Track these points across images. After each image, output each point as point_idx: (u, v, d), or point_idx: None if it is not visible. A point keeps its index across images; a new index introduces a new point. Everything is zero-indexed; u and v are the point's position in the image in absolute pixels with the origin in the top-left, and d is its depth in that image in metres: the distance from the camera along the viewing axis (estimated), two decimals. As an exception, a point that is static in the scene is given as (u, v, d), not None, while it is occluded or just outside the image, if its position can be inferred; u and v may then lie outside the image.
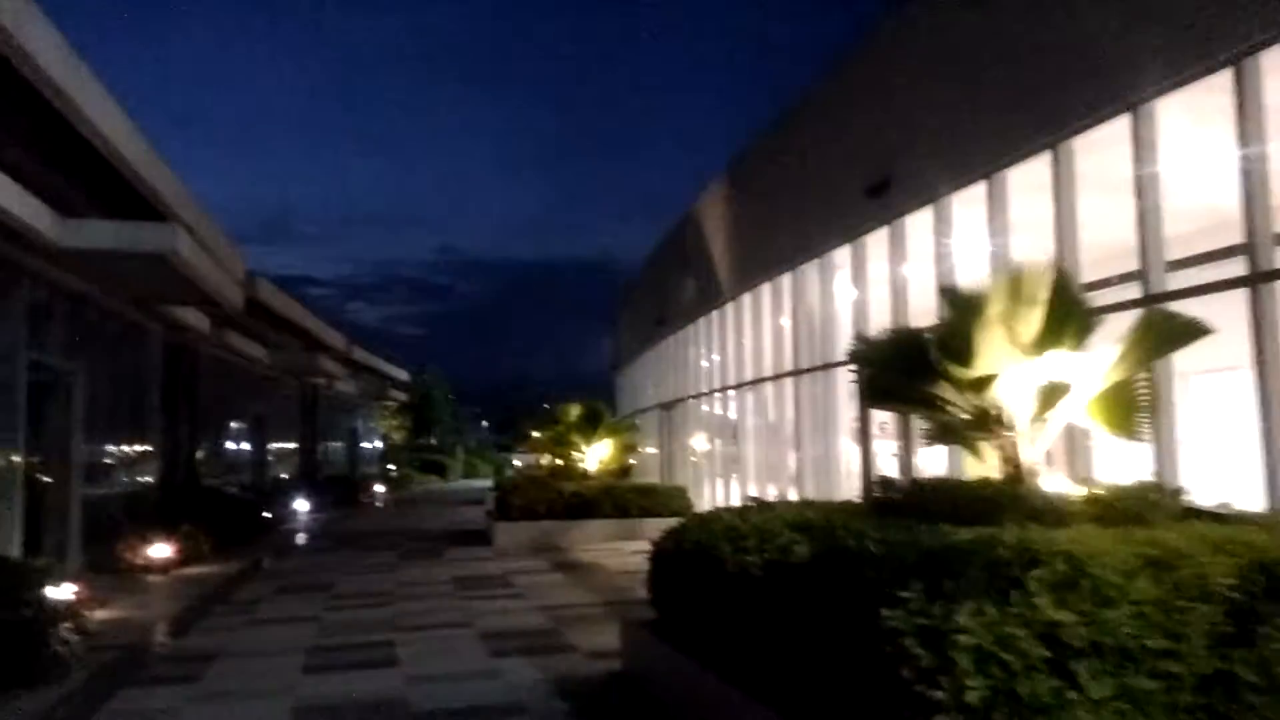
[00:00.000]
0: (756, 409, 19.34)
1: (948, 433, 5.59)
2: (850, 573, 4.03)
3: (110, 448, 14.80)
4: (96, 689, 7.00)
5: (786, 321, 17.37)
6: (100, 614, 9.41)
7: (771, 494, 17.11)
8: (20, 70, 7.64)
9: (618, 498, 17.04)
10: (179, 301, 13.77)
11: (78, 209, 10.44)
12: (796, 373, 16.83)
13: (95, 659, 7.70)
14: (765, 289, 18.03)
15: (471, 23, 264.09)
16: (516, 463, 66.48)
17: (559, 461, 22.28)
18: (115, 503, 14.84)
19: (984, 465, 5.56)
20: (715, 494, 20.79)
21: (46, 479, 12.74)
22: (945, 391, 5.32)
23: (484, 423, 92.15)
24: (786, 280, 16.96)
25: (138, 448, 16.29)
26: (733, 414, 20.49)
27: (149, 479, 16.62)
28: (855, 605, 3.83)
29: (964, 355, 5.17)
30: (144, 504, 16.07)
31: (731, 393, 20.16)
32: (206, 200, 15.04)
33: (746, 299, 19.34)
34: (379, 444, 46.29)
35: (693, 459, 23.67)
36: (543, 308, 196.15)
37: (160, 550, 13.65)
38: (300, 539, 19.52)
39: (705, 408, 22.67)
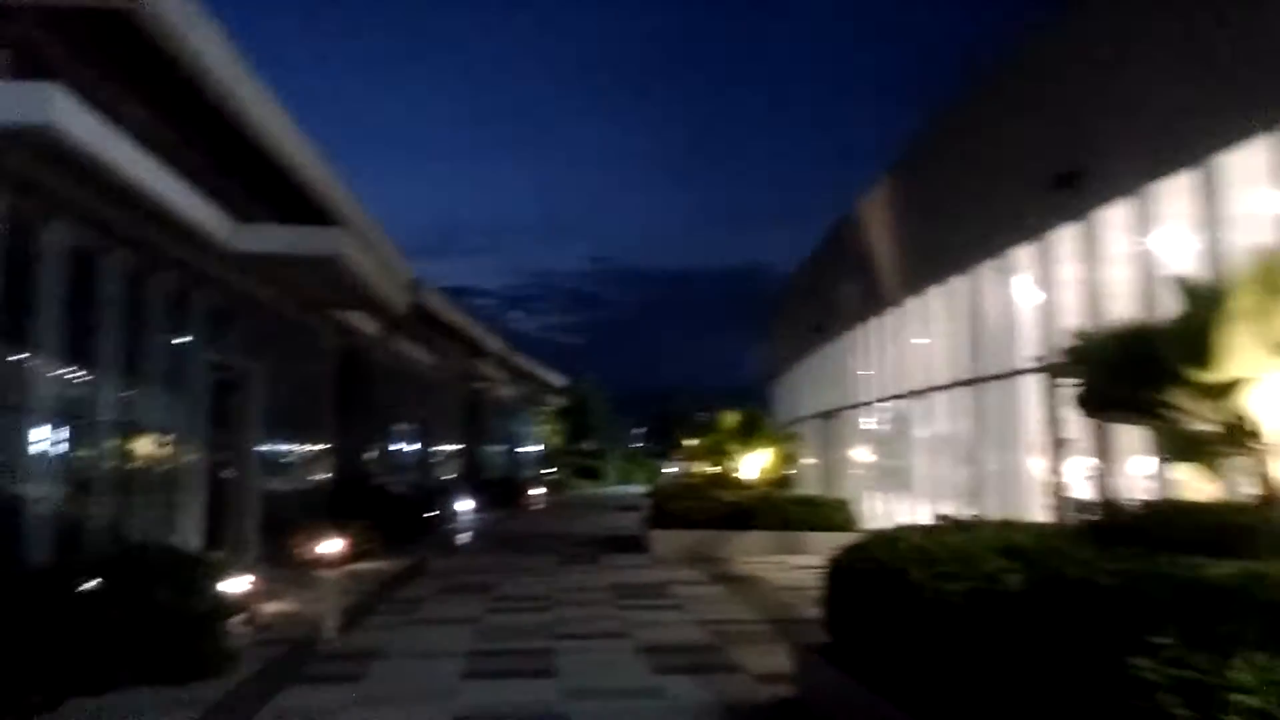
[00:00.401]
0: (925, 420, 18.35)
1: (1189, 448, 4.80)
2: (1080, 609, 3.43)
3: (286, 446, 15.40)
4: (263, 685, 7.07)
5: (960, 327, 16.38)
6: (271, 608, 9.66)
7: (943, 511, 16.10)
8: (197, 80, 7.88)
9: (777, 508, 16.48)
10: (346, 305, 14.20)
11: (251, 215, 10.81)
12: (972, 381, 15.82)
13: (263, 654, 7.82)
14: (935, 293, 17.06)
15: (623, 32, 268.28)
16: (669, 470, 66.71)
17: (715, 469, 21.94)
18: (290, 498, 15.44)
19: (1213, 485, 4.79)
20: (878, 508, 19.88)
21: (227, 475, 13.33)
22: (1181, 399, 4.58)
23: (637, 429, 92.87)
24: (960, 283, 15.97)
25: (311, 446, 16.94)
26: (898, 425, 19.53)
27: (322, 476, 17.25)
28: (1088, 648, 3.24)
29: (1204, 357, 4.44)
30: (317, 500, 16.67)
31: (898, 402, 19.21)
32: (373, 210, 15.53)
33: (913, 304, 18.39)
34: (538, 448, 47.19)
35: (853, 471, 22.78)
36: (695, 316, 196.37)
37: (332, 545, 14.01)
38: (462, 539, 19.88)
39: (868, 418, 21.75)
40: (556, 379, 43.34)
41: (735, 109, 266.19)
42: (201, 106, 8.88)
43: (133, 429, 10.26)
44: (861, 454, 22.11)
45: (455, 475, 30.40)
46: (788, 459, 19.37)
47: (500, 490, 32.04)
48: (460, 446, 31.14)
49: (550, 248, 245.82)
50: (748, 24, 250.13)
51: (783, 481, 18.77)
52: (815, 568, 13.75)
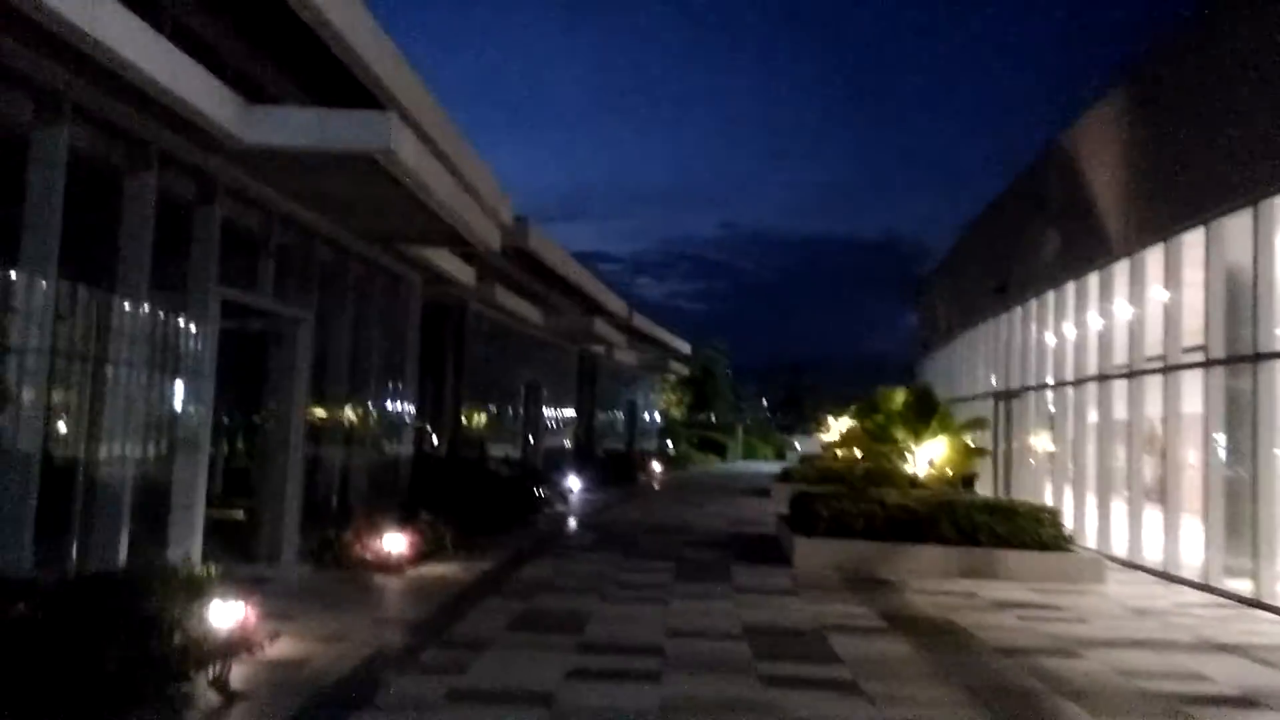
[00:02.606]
0: (1154, 403, 14.20)
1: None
2: None
3: (349, 413, 12.60)
4: None
5: (1221, 287, 12.22)
6: (272, 649, 6.71)
7: (1161, 520, 12.04)
8: None
9: (961, 518, 12.71)
10: (414, 235, 11.13)
11: (272, 94, 7.77)
12: (1230, 360, 11.79)
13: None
14: (1188, 241, 12.88)
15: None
16: (797, 445, 62.54)
17: (863, 458, 18.21)
18: (356, 477, 12.63)
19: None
20: (1083, 514, 15.77)
21: (262, 450, 10.57)
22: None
23: (764, 401, 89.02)
24: (1236, 224, 11.80)
25: (388, 413, 14.13)
26: (1115, 409, 15.37)
27: (401, 450, 14.44)
28: None
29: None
30: (391, 480, 13.87)
31: (1118, 383, 15.04)
32: (504, 180, 12.43)
33: (1147, 258, 14.17)
34: (659, 419, 44.09)
35: (1044, 466, 18.60)
36: (825, 285, 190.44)
37: (393, 543, 11.16)
38: (566, 529, 16.85)
39: (1064, 399, 17.57)
40: (681, 345, 39.99)
41: (877, 70, 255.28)
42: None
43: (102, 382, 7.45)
44: (1056, 445, 17.93)
45: (569, 446, 27.56)
46: (976, 453, 15.44)
47: (616, 465, 29.05)
48: (573, 415, 28.24)
49: (680, 214, 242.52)
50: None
51: (968, 481, 14.91)
52: (1032, 608, 10.07)
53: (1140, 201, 14.35)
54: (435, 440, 16.93)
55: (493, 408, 20.35)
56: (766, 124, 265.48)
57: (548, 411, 25.34)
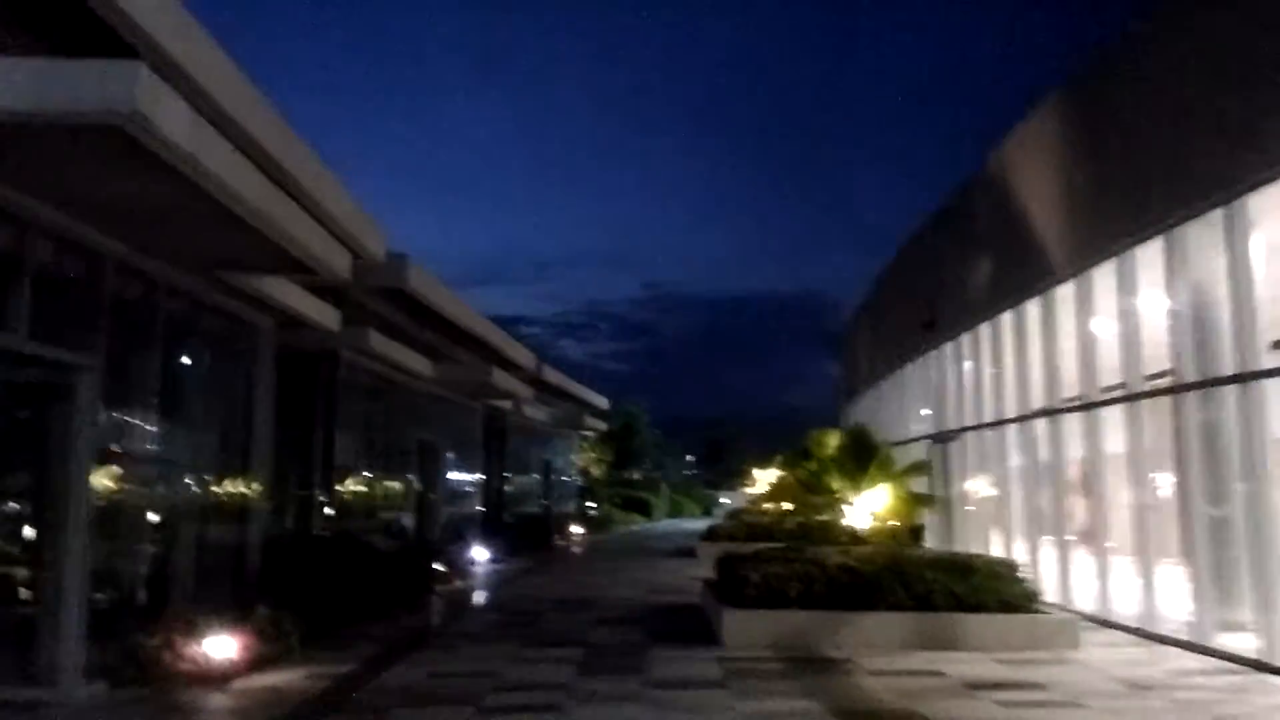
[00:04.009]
0: (1114, 438, 12.74)
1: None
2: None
3: (167, 487, 10.22)
4: None
5: (1188, 303, 10.84)
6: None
7: (1134, 570, 10.36)
8: None
9: (912, 578, 10.89)
10: (235, 260, 8.86)
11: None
12: (1198, 385, 10.36)
13: None
14: (1141, 257, 11.54)
15: (674, 61, 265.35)
16: (725, 500, 60.65)
17: (800, 514, 16.37)
18: (178, 568, 10.22)
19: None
20: (1039, 565, 14.12)
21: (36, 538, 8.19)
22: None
23: (689, 457, 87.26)
24: (1199, 232, 10.45)
25: (225, 484, 11.76)
26: (1068, 446, 13.88)
27: (248, 529, 12.04)
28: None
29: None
30: (233, 566, 11.47)
31: (1071, 417, 13.54)
32: (423, 245, 10.32)
33: (1096, 277, 12.81)
34: (577, 478, 41.80)
35: (987, 511, 17.00)
36: (746, 342, 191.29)
37: (218, 648, 8.83)
38: (459, 610, 14.53)
39: (1006, 438, 16.05)
40: (599, 400, 37.99)
41: (792, 134, 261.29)
42: None
43: None
44: (1001, 489, 16.37)
45: (475, 512, 25.16)
46: (917, 501, 13.69)
47: (529, 531, 26.72)
48: (480, 478, 25.88)
49: (601, 277, 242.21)
50: (800, 51, 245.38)
51: (915, 534, 13.13)
52: (1010, 688, 8.19)
53: (1086, 216, 13.02)
54: (292, 515, 14.51)
55: (379, 472, 17.97)
56: (687, 185, 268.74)
57: (449, 474, 22.98)
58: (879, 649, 10.33)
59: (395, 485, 18.84)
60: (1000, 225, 15.94)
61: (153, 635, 8.61)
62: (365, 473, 17.32)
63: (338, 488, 15.64)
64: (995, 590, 10.97)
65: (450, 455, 22.60)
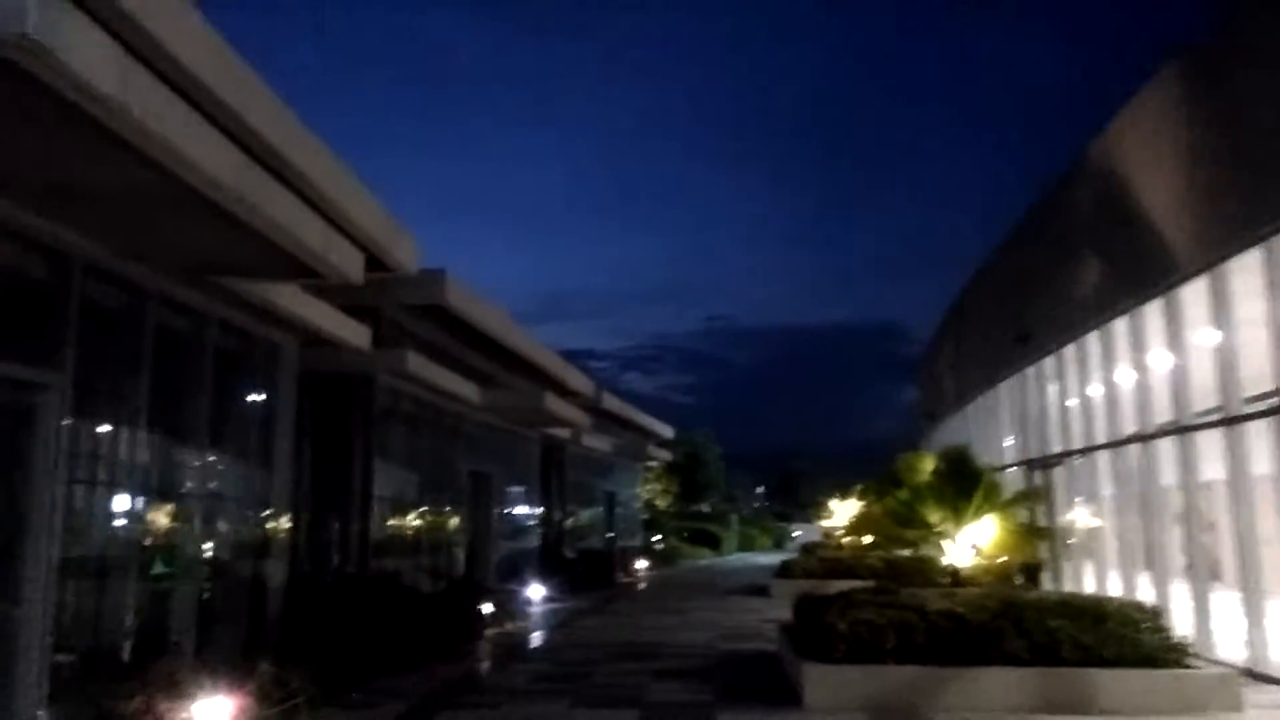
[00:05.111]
0: (1254, 458, 10.83)
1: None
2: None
3: (165, 521, 9.01)
4: None
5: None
6: None
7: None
8: None
9: (1033, 626, 9.12)
10: (226, 259, 7.63)
11: None
12: None
13: None
14: (1263, 252, 9.71)
15: (740, 93, 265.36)
16: (796, 534, 58.34)
17: (882, 548, 14.59)
18: (176, 616, 8.97)
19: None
20: (1169, 608, 12.11)
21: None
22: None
23: (758, 489, 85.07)
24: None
25: (236, 520, 10.54)
26: (1203, 469, 11.95)
27: (267, 571, 10.80)
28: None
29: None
30: (247, 612, 10.21)
31: (1208, 435, 11.63)
32: (486, 282, 9.17)
33: (1233, 269, 10.96)
34: (641, 511, 40.23)
35: (1102, 545, 15.00)
36: (813, 373, 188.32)
37: (208, 712, 7.51)
38: (507, 659, 13.06)
39: (1126, 461, 14.11)
40: (663, 429, 36.47)
41: (857, 163, 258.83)
42: None
43: None
44: (1117, 519, 14.39)
45: (533, 548, 23.81)
46: (1032, 534, 11.85)
47: (590, 567, 25.20)
48: (538, 511, 24.53)
49: (667, 310, 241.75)
50: (864, 76, 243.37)
51: (1031, 574, 11.31)
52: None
53: (1220, 199, 11.18)
54: (336, 552, 13.27)
55: (426, 506, 16.70)
56: (752, 217, 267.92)
57: (505, 508, 21.67)
58: (995, 712, 8.61)
59: (444, 520, 17.54)
60: (1108, 221, 14.12)
61: (129, 696, 7.32)
62: (410, 507, 16.05)
63: (378, 523, 14.39)
64: (1133, 640, 9.14)
65: (505, 488, 21.30)
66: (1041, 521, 15.46)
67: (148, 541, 8.50)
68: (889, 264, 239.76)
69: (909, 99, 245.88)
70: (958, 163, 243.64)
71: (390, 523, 15.00)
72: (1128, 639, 9.12)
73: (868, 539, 17.71)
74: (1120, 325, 14.00)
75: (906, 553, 16.09)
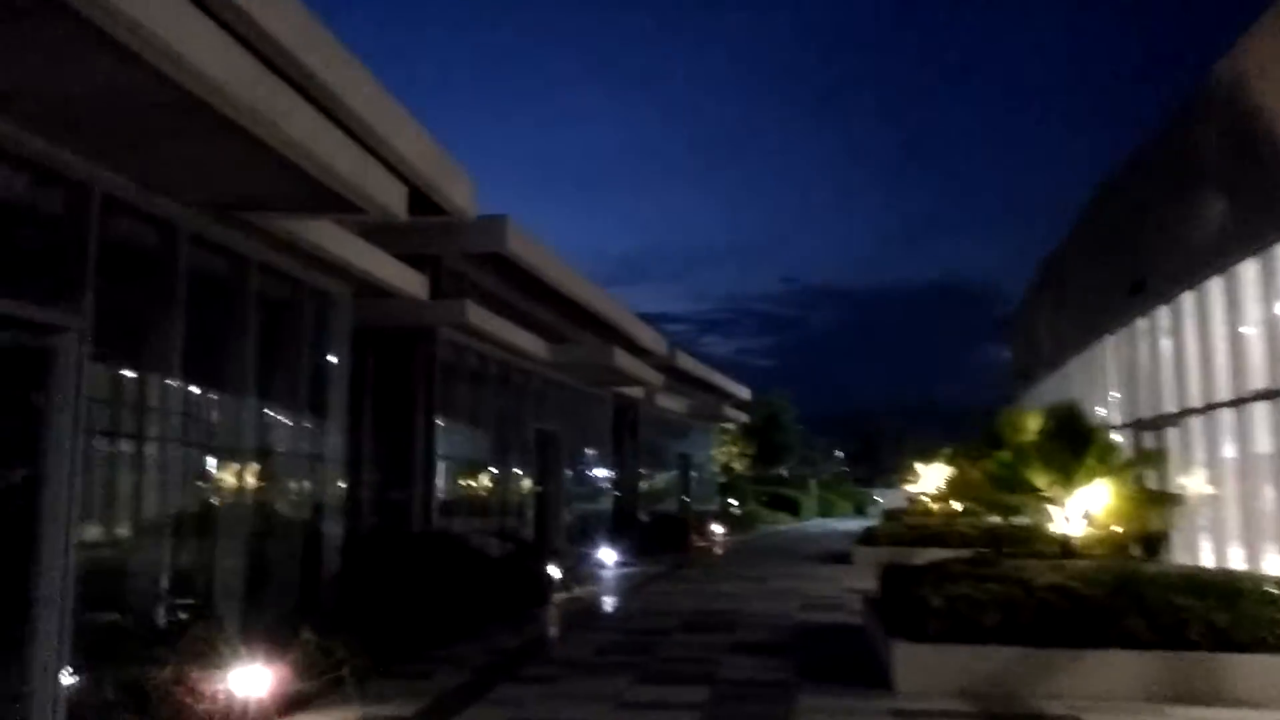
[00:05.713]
0: None
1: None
2: None
3: (205, 475, 8.53)
4: None
5: None
6: None
7: None
8: None
9: (1155, 603, 8.06)
10: (253, 189, 6.98)
11: None
12: None
13: None
14: None
15: (805, 52, 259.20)
16: (879, 499, 56.80)
17: (974, 514, 13.50)
18: (221, 574, 8.50)
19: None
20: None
21: None
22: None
23: (838, 453, 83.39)
24: None
25: (284, 474, 10.04)
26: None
27: (324, 528, 10.31)
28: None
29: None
30: (299, 572, 9.72)
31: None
32: (561, 246, 8.49)
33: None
34: (717, 474, 39.43)
35: (1223, 514, 13.63)
36: (892, 333, 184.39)
37: (246, 684, 6.99)
38: (573, 625, 12.46)
39: (1254, 419, 12.70)
40: (739, 390, 35.49)
41: (932, 118, 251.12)
42: None
43: None
44: (1244, 483, 13.02)
45: (605, 510, 23.26)
46: (1155, 501, 10.68)
47: (663, 531, 24.52)
48: (610, 473, 23.93)
49: (742, 271, 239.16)
50: (939, 34, 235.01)
51: (1151, 544, 10.19)
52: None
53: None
54: (397, 511, 12.79)
55: (491, 466, 16.16)
56: (825, 174, 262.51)
57: (576, 469, 21.11)
58: (1113, 700, 7.61)
59: (511, 481, 17.00)
60: (1238, 150, 12.60)
61: (163, 665, 6.82)
62: (476, 466, 15.53)
63: (442, 482, 13.88)
64: (1272, 622, 8.00)
65: (577, 448, 20.71)
66: (1157, 487, 14.12)
67: (182, 497, 7.99)
68: (970, 222, 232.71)
69: (999, 48, 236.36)
70: (1046, 121, 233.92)
71: (456, 483, 14.48)
72: (1264, 620, 7.99)
73: (958, 505, 16.58)
74: (1248, 269, 12.55)
75: (1000, 520, 14.92)
